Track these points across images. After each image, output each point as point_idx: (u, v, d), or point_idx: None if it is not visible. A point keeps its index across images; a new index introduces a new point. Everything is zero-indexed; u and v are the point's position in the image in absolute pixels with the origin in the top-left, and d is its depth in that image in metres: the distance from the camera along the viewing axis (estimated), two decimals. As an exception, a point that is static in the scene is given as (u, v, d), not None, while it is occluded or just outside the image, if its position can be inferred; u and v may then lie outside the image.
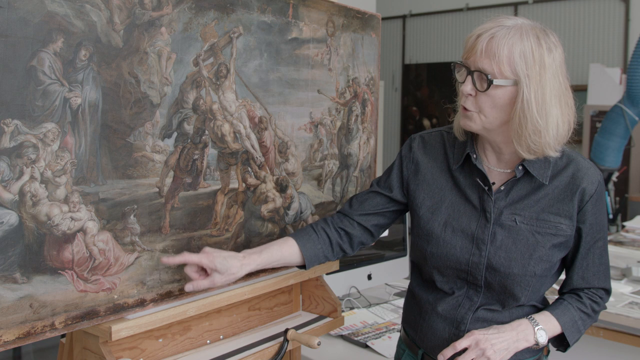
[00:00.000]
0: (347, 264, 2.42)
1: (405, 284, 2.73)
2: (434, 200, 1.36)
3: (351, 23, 1.70)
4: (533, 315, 1.31)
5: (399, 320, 2.27)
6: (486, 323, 1.31)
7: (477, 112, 1.24)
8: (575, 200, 1.29)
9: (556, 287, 1.49)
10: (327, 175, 1.68)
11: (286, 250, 1.38)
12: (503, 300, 1.31)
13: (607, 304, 1.42)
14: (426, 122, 6.50)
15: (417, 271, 1.44)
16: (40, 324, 1.05)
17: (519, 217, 1.29)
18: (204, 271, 1.28)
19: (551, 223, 1.29)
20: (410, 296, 1.46)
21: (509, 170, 1.32)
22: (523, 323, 1.29)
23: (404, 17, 6.67)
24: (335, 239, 1.43)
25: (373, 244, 1.55)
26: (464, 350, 1.24)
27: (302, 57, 1.54)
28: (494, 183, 1.31)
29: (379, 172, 1.86)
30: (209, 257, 1.26)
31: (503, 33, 1.19)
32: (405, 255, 2.64)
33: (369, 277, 2.63)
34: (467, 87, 1.22)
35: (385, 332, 2.13)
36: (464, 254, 1.30)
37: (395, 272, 2.62)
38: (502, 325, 1.28)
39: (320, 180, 1.66)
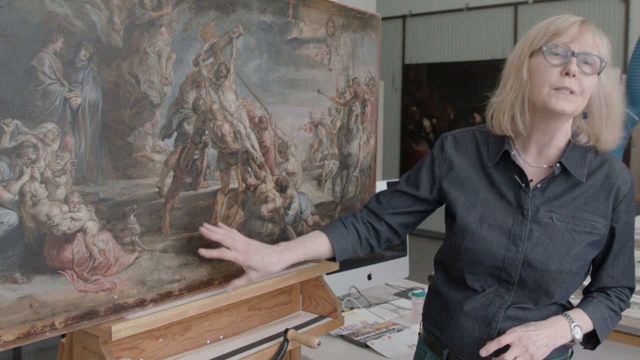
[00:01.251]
0: (347, 264, 2.42)
1: (405, 284, 2.73)
2: (468, 197, 1.37)
3: (351, 23, 1.70)
4: (567, 312, 1.32)
5: (399, 320, 2.27)
6: (517, 321, 1.31)
7: (579, 94, 1.25)
8: (611, 199, 1.31)
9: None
10: (327, 175, 1.68)
11: (320, 245, 1.43)
12: (536, 298, 1.32)
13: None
14: (426, 122, 6.51)
15: (443, 270, 1.45)
16: (40, 324, 1.05)
17: (556, 214, 1.30)
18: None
19: (587, 221, 1.30)
20: (435, 295, 1.46)
21: (545, 167, 1.33)
22: (560, 320, 1.30)
23: (404, 17, 6.67)
24: (364, 234, 1.46)
25: (399, 242, 1.58)
26: (507, 347, 1.25)
27: (302, 57, 1.54)
28: (531, 180, 1.32)
29: (379, 172, 1.86)
30: (245, 255, 1.30)
31: (596, 27, 1.28)
32: (405, 255, 2.64)
33: (369, 277, 2.63)
34: (575, 67, 1.23)
35: (385, 332, 2.13)
36: (500, 249, 1.30)
37: (395, 272, 2.62)
38: (540, 322, 1.29)
39: (320, 180, 1.66)
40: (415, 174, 1.46)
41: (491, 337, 1.30)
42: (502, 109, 1.32)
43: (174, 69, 1.23)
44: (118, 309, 1.17)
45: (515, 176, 1.33)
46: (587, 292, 1.43)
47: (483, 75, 5.74)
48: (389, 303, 2.47)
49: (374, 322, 2.25)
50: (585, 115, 1.32)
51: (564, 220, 1.30)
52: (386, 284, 2.69)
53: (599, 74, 1.26)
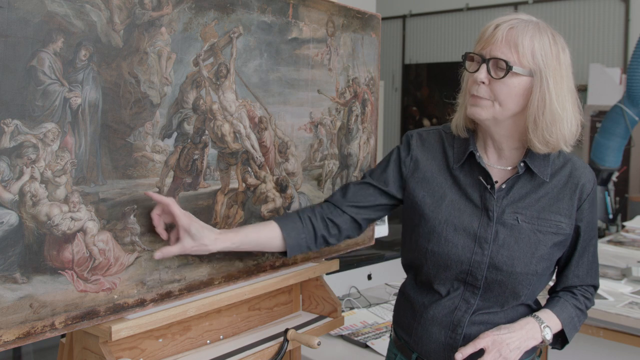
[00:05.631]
0: (347, 264, 2.42)
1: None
2: (434, 199, 1.35)
3: (351, 23, 1.70)
4: (536, 314, 1.32)
5: (399, 320, 2.27)
6: (483, 325, 1.31)
7: (492, 100, 1.24)
8: (575, 198, 1.31)
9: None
10: (327, 175, 1.68)
11: (265, 234, 1.34)
12: (502, 301, 1.31)
13: (607, 304, 1.44)
14: (426, 122, 6.50)
15: (412, 273, 1.43)
16: (40, 324, 1.05)
17: (521, 215, 1.29)
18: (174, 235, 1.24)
19: (552, 222, 1.30)
20: (403, 298, 1.45)
21: (509, 168, 1.33)
22: (530, 322, 1.30)
23: (404, 17, 6.67)
24: (320, 231, 1.39)
25: (357, 237, 1.54)
26: (480, 351, 1.25)
27: (302, 57, 1.54)
28: (496, 182, 1.32)
29: (379, 172, 1.85)
30: (188, 218, 1.22)
31: (523, 25, 1.22)
32: (405, 255, 2.63)
33: (369, 277, 2.63)
34: (481, 75, 1.23)
35: (385, 332, 2.13)
36: (466, 252, 1.29)
37: (395, 272, 2.62)
38: (511, 325, 1.29)
39: (320, 180, 1.66)
40: (382, 170, 1.42)
41: (457, 342, 1.31)
42: (458, 111, 1.36)
43: (174, 69, 1.23)
44: (118, 309, 1.17)
45: (481, 178, 1.32)
46: (553, 291, 1.43)
47: (483, 75, 5.75)
48: (389, 303, 2.47)
49: (374, 322, 2.25)
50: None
51: (529, 222, 1.29)
52: (386, 284, 2.69)
53: (503, 77, 1.21)
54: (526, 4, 5.62)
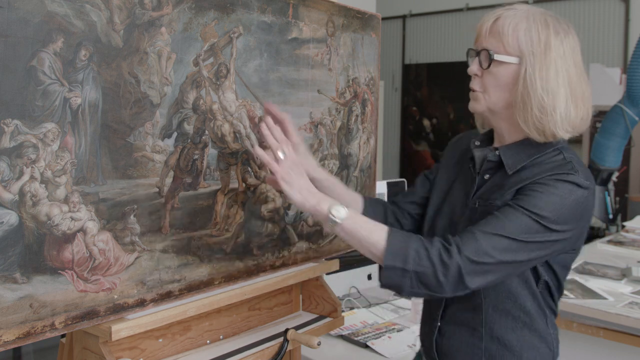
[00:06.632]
0: (347, 264, 2.42)
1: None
2: (441, 180, 1.42)
3: (351, 23, 1.70)
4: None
5: (399, 320, 2.27)
6: (456, 325, 1.31)
7: (483, 92, 1.25)
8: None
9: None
10: (330, 172, 1.68)
11: (350, 195, 1.45)
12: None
13: (607, 304, 1.42)
14: (426, 122, 6.50)
15: None
16: (40, 324, 1.05)
17: (480, 200, 1.28)
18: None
19: (490, 201, 1.24)
20: None
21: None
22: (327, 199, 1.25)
23: (404, 17, 6.67)
24: (390, 219, 1.47)
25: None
26: None
27: (302, 57, 1.54)
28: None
29: (379, 172, 1.86)
30: (300, 137, 1.38)
31: (510, 14, 1.22)
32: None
33: (369, 277, 2.63)
34: (473, 67, 1.25)
35: (385, 332, 2.13)
36: (440, 235, 1.28)
37: (395, 272, 2.62)
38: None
39: (320, 180, 1.66)
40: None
41: (432, 334, 1.34)
42: None
43: (174, 69, 1.23)
44: (118, 309, 1.17)
45: (470, 167, 1.34)
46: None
47: (483, 75, 5.76)
48: (389, 303, 2.47)
49: (374, 322, 2.25)
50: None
51: (482, 205, 1.26)
52: (385, 283, 2.69)
53: (488, 67, 1.21)
54: (526, 4, 5.63)
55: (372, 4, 4.74)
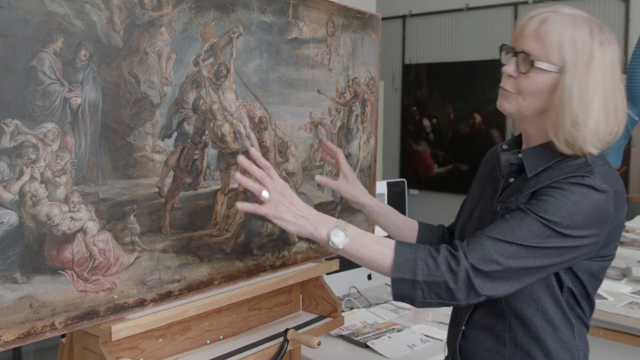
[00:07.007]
0: (347, 264, 2.42)
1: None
2: (474, 188, 1.42)
3: (351, 23, 1.70)
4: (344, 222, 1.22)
5: (399, 320, 2.27)
6: (482, 330, 1.27)
7: (516, 93, 1.20)
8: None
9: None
10: (327, 175, 1.68)
11: (403, 218, 1.50)
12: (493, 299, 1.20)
13: (607, 304, 1.40)
14: (426, 122, 6.50)
15: None
16: (40, 324, 1.05)
17: (502, 203, 1.25)
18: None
19: (510, 204, 1.21)
20: None
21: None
22: (330, 218, 1.22)
23: (404, 17, 6.67)
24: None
25: None
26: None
27: (302, 57, 1.54)
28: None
29: (379, 172, 1.86)
30: (350, 168, 1.49)
31: (556, 18, 1.16)
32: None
33: (369, 277, 2.63)
34: (509, 68, 1.20)
35: (385, 332, 2.13)
36: None
37: (395, 272, 2.62)
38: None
39: (320, 180, 1.66)
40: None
41: (456, 339, 1.32)
42: None
43: (174, 69, 1.23)
44: (118, 309, 1.17)
45: (498, 170, 1.33)
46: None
47: (483, 75, 5.74)
48: (389, 303, 2.47)
49: (374, 322, 2.25)
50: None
51: (502, 208, 1.24)
52: (386, 284, 2.69)
53: (528, 72, 1.17)
54: (526, 4, 5.62)
55: (372, 4, 4.74)
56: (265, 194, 1.19)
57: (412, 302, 1.16)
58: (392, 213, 1.49)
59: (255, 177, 1.21)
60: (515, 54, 1.19)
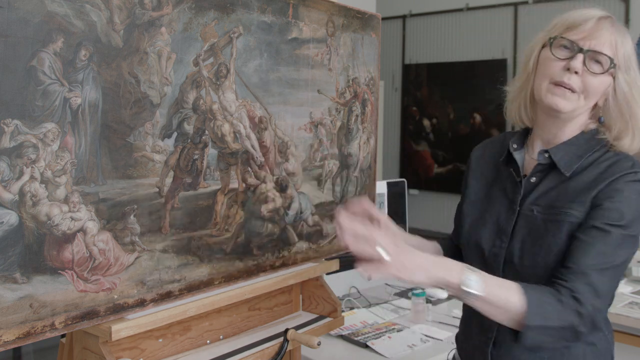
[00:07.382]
0: (347, 264, 2.42)
1: (405, 284, 2.72)
2: (474, 190, 1.37)
3: (351, 23, 1.70)
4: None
5: (399, 320, 2.27)
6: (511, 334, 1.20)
7: (579, 92, 1.19)
8: (596, 188, 1.18)
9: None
10: (327, 175, 1.68)
11: (428, 245, 1.42)
12: None
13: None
14: (426, 122, 6.50)
15: None
16: (40, 324, 1.05)
17: (537, 207, 1.23)
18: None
19: (562, 209, 1.19)
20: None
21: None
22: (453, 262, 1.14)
23: (404, 17, 6.67)
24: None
25: None
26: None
27: (302, 57, 1.54)
28: (525, 175, 1.28)
29: (379, 172, 1.86)
30: (383, 215, 1.23)
31: (618, 24, 1.21)
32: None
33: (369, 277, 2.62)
34: (578, 64, 1.17)
35: (385, 332, 2.13)
36: (487, 244, 1.27)
37: (395, 272, 2.62)
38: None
39: (320, 180, 1.66)
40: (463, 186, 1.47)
41: (486, 346, 1.26)
42: (510, 98, 1.33)
43: (174, 69, 1.23)
44: (118, 309, 1.17)
45: (512, 170, 1.30)
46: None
47: (483, 75, 5.74)
48: (389, 303, 2.47)
49: (374, 322, 2.25)
50: (601, 119, 1.25)
51: (542, 212, 1.21)
52: (386, 284, 2.69)
53: (611, 75, 1.19)
54: (526, 4, 5.62)
55: (372, 4, 4.74)
56: (385, 255, 1.05)
57: (542, 347, 1.17)
58: (424, 244, 1.41)
59: (363, 236, 1.06)
60: (582, 51, 1.18)
